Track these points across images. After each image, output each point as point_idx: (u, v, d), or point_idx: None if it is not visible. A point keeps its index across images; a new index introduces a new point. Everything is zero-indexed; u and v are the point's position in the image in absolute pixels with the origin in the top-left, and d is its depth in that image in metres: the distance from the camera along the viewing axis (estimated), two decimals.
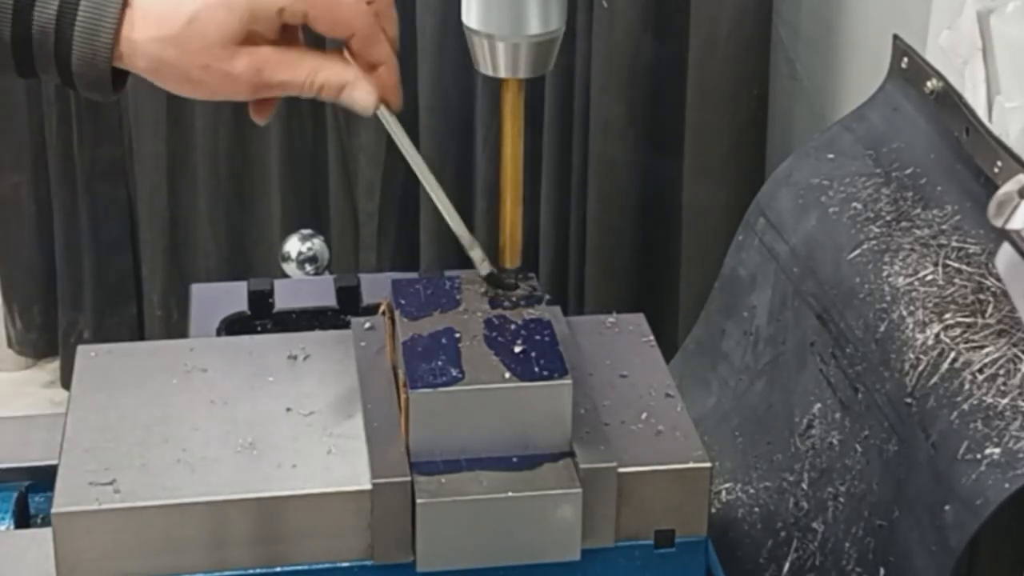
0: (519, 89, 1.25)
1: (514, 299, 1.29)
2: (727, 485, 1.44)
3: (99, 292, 2.67)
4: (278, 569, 1.20)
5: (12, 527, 1.34)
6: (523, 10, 1.20)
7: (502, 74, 1.23)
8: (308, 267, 1.83)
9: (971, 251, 1.29)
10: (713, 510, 1.39)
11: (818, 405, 1.35)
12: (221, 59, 1.15)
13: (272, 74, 1.17)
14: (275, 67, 1.17)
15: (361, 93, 1.21)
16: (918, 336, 1.23)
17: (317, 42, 1.21)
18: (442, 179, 2.27)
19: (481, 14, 1.21)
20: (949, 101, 1.37)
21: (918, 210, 1.37)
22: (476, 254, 1.28)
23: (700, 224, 1.98)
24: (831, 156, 1.49)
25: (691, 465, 1.22)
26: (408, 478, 1.18)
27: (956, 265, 1.28)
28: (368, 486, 1.18)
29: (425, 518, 1.18)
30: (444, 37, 2.19)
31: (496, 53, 1.22)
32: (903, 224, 1.36)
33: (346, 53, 1.20)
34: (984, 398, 1.14)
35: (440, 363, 1.21)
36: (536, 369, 1.21)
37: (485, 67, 1.23)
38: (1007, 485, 1.08)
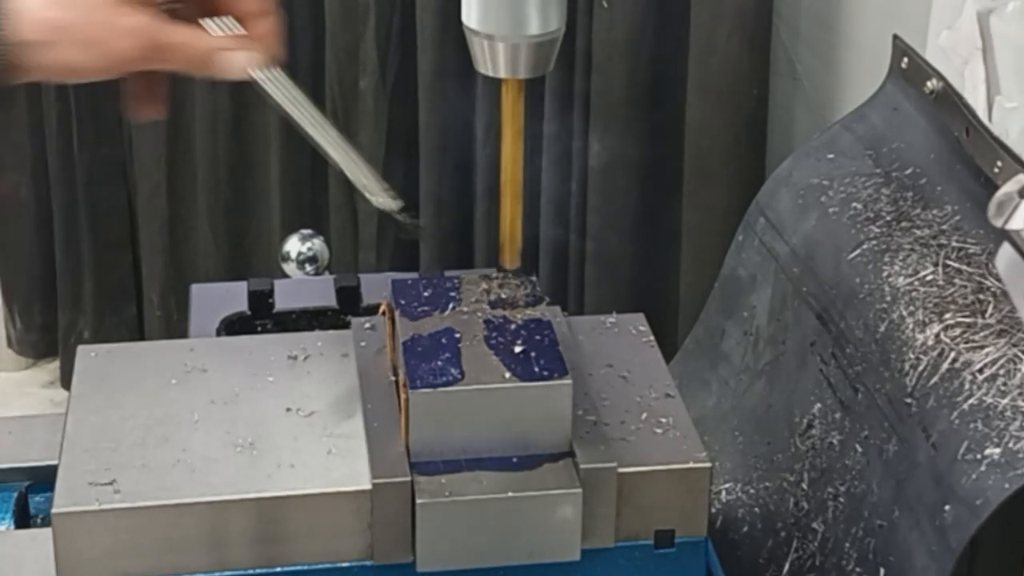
0: (519, 89, 1.25)
1: (514, 299, 1.29)
2: (727, 485, 1.44)
3: (99, 292, 2.67)
4: (278, 569, 1.20)
5: (12, 527, 1.34)
6: (523, 10, 1.20)
7: (502, 74, 1.23)
8: (308, 267, 1.82)
9: (971, 251, 1.29)
10: (713, 510, 1.39)
11: (818, 405, 1.35)
12: (119, 14, 1.15)
13: (169, 34, 1.17)
14: (169, 28, 1.18)
15: (241, 54, 1.22)
16: (918, 336, 1.23)
17: None
18: (442, 179, 2.28)
19: (481, 14, 1.21)
20: (949, 101, 1.37)
21: (918, 210, 1.37)
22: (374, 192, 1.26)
23: (700, 224, 1.98)
24: (831, 156, 1.49)
25: (691, 465, 1.22)
26: (408, 478, 1.18)
27: (956, 265, 1.28)
28: (368, 486, 1.18)
29: (425, 518, 1.18)
30: (444, 37, 2.18)
31: (496, 53, 1.22)
32: (903, 224, 1.36)
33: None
34: (984, 398, 1.14)
35: (440, 363, 1.21)
36: (536, 369, 1.21)
37: (485, 67, 1.23)
38: (1007, 485, 1.08)
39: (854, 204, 1.41)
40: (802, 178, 1.49)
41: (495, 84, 1.26)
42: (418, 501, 1.17)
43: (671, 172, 2.04)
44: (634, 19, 1.99)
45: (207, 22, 1.21)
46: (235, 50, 1.22)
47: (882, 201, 1.40)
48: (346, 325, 1.38)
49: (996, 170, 1.28)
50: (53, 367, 2.81)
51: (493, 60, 1.22)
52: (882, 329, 1.28)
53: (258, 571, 1.19)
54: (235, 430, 1.24)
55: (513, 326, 1.26)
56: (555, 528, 1.19)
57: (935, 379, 1.19)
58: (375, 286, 1.60)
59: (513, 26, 1.20)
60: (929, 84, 1.40)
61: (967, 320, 1.22)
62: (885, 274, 1.31)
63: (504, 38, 1.21)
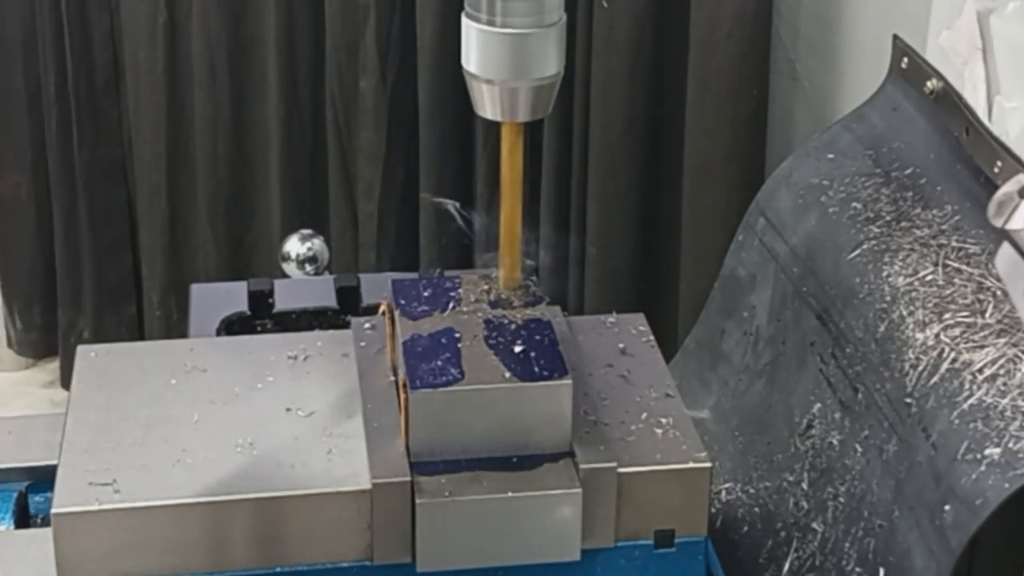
0: (518, 132, 1.26)
1: (514, 299, 1.29)
2: (727, 485, 1.44)
3: (99, 292, 2.66)
4: (278, 569, 1.20)
5: (12, 527, 1.34)
6: (522, 56, 1.20)
7: (500, 118, 1.24)
8: (308, 267, 1.82)
9: (971, 251, 1.29)
10: (713, 510, 1.39)
11: (818, 405, 1.35)
12: None
13: None
14: None
15: None
16: (918, 336, 1.23)
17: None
18: (442, 179, 2.28)
19: (480, 59, 1.21)
20: (949, 101, 1.37)
21: (918, 210, 1.37)
22: None
23: (700, 224, 1.98)
24: (831, 156, 1.49)
25: (691, 465, 1.22)
26: (408, 478, 1.18)
27: (956, 265, 1.28)
28: (368, 486, 1.18)
29: (425, 518, 1.18)
30: (444, 37, 2.18)
31: (494, 97, 1.22)
32: (903, 224, 1.36)
33: None
34: (984, 398, 1.14)
35: (440, 363, 1.21)
36: (536, 369, 1.21)
37: (483, 110, 1.23)
38: (1007, 485, 1.08)
39: (854, 204, 1.41)
40: (802, 178, 1.49)
41: None
42: (418, 501, 1.17)
43: (671, 172, 2.04)
44: (634, 19, 1.99)
45: None
46: None
47: (882, 201, 1.40)
48: (346, 325, 1.38)
49: (996, 170, 1.28)
50: (53, 367, 2.81)
51: (492, 103, 1.23)
52: (882, 329, 1.28)
53: (258, 571, 1.19)
54: (235, 430, 1.24)
55: (513, 326, 1.26)
56: (555, 528, 1.19)
57: (935, 379, 1.19)
58: (375, 286, 1.60)
59: (512, 71, 1.21)
60: (929, 84, 1.40)
61: (967, 320, 1.22)
62: (885, 274, 1.31)
63: (503, 82, 1.21)
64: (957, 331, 1.21)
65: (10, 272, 2.76)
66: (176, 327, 2.56)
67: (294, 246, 1.84)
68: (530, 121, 1.25)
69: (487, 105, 1.23)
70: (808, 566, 1.30)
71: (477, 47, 1.21)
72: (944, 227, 1.33)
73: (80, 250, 2.66)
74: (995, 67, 1.34)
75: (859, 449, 1.28)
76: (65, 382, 2.67)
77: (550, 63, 1.22)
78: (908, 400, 1.21)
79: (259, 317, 1.59)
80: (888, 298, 1.29)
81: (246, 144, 2.46)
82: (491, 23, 1.20)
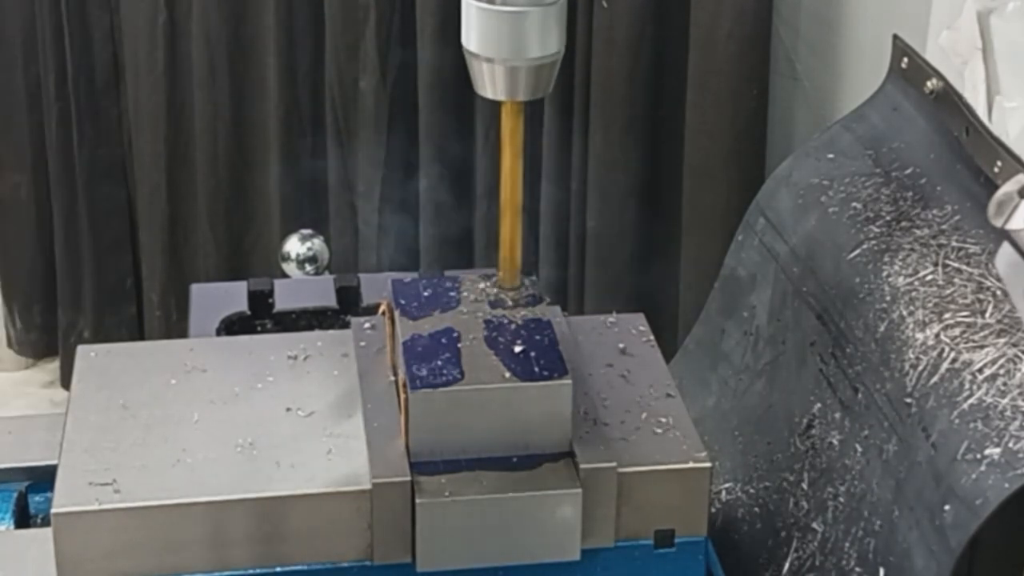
0: (518, 111, 1.25)
1: (514, 299, 1.29)
2: (727, 485, 1.44)
3: (99, 292, 2.67)
4: (278, 569, 1.20)
5: (12, 527, 1.34)
6: (522, 34, 1.20)
7: (501, 97, 1.23)
8: (308, 267, 1.82)
9: (971, 251, 1.29)
10: (713, 510, 1.39)
11: (818, 405, 1.35)
12: None
13: None
14: None
15: None
16: (918, 336, 1.23)
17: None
18: (442, 179, 2.28)
19: (480, 38, 1.21)
20: (949, 101, 1.37)
21: (918, 210, 1.37)
22: None
23: (700, 224, 1.98)
24: (831, 156, 1.49)
25: (691, 465, 1.22)
26: (408, 478, 1.18)
27: (956, 265, 1.28)
28: (368, 486, 1.18)
29: (425, 518, 1.18)
30: (444, 37, 2.18)
31: (495, 76, 1.22)
32: (903, 224, 1.36)
33: None
34: (984, 398, 1.14)
35: (440, 363, 1.21)
36: (536, 369, 1.21)
37: (484, 90, 1.23)
38: (1007, 485, 1.08)
39: (854, 204, 1.41)
40: (802, 178, 1.49)
41: None
42: (418, 501, 1.17)
43: (671, 172, 2.04)
44: (634, 19, 1.99)
45: None
46: None
47: (882, 201, 1.40)
48: (346, 325, 1.38)
49: (996, 170, 1.28)
50: (53, 367, 2.81)
51: (492, 83, 1.23)
52: (882, 329, 1.28)
53: (258, 571, 1.19)
54: (235, 430, 1.24)
55: (513, 326, 1.26)
56: (555, 528, 1.19)
57: (935, 379, 1.19)
58: (375, 286, 1.60)
59: (512, 49, 1.21)
60: (929, 84, 1.40)
61: (967, 320, 1.22)
62: (885, 274, 1.31)
63: (503, 61, 1.21)
64: (957, 331, 1.21)
65: (10, 272, 2.77)
66: (176, 327, 2.57)
67: (294, 246, 1.84)
68: (531, 101, 1.24)
69: (487, 84, 1.23)
70: (808, 566, 1.30)
71: (477, 25, 1.20)
72: (944, 227, 1.33)
73: (80, 250, 2.67)
74: (995, 67, 1.34)
75: (859, 449, 1.28)
76: (65, 382, 2.67)
77: (551, 42, 1.21)
78: (908, 400, 1.21)
79: (259, 317, 1.59)
80: (888, 298, 1.29)
81: (246, 144, 2.46)
82: (491, 1, 1.19)
